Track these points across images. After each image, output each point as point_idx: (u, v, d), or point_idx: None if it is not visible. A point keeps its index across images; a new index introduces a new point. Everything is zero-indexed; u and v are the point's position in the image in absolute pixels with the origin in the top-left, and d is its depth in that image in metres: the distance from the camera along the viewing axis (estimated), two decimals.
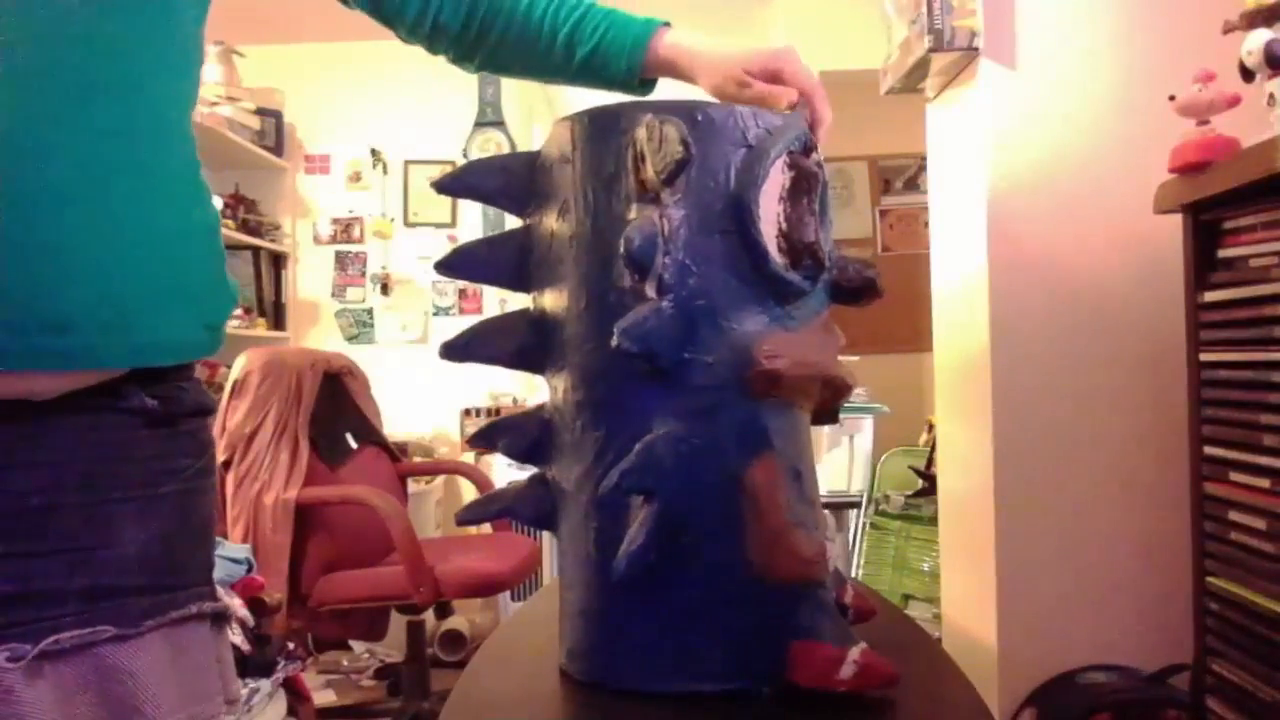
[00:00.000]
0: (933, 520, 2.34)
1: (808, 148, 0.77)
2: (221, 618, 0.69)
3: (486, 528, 2.89)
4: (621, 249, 0.71)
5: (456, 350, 0.81)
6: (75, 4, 0.56)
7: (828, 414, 0.82)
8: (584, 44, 0.87)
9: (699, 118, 0.74)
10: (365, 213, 3.62)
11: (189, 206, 0.65)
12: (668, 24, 0.88)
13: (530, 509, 0.83)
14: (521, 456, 0.84)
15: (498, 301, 3.54)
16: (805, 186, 0.75)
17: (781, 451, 0.74)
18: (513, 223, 0.86)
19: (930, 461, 2.41)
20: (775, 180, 0.74)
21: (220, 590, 1.82)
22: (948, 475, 1.85)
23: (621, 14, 0.89)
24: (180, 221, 0.63)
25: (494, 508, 0.87)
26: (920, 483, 2.66)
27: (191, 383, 0.67)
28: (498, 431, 0.84)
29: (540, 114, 4.11)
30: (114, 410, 0.60)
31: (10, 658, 0.54)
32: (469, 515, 0.84)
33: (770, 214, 0.74)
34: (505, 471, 3.21)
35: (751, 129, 0.75)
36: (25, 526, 0.57)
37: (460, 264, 0.84)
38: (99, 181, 0.57)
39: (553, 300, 0.81)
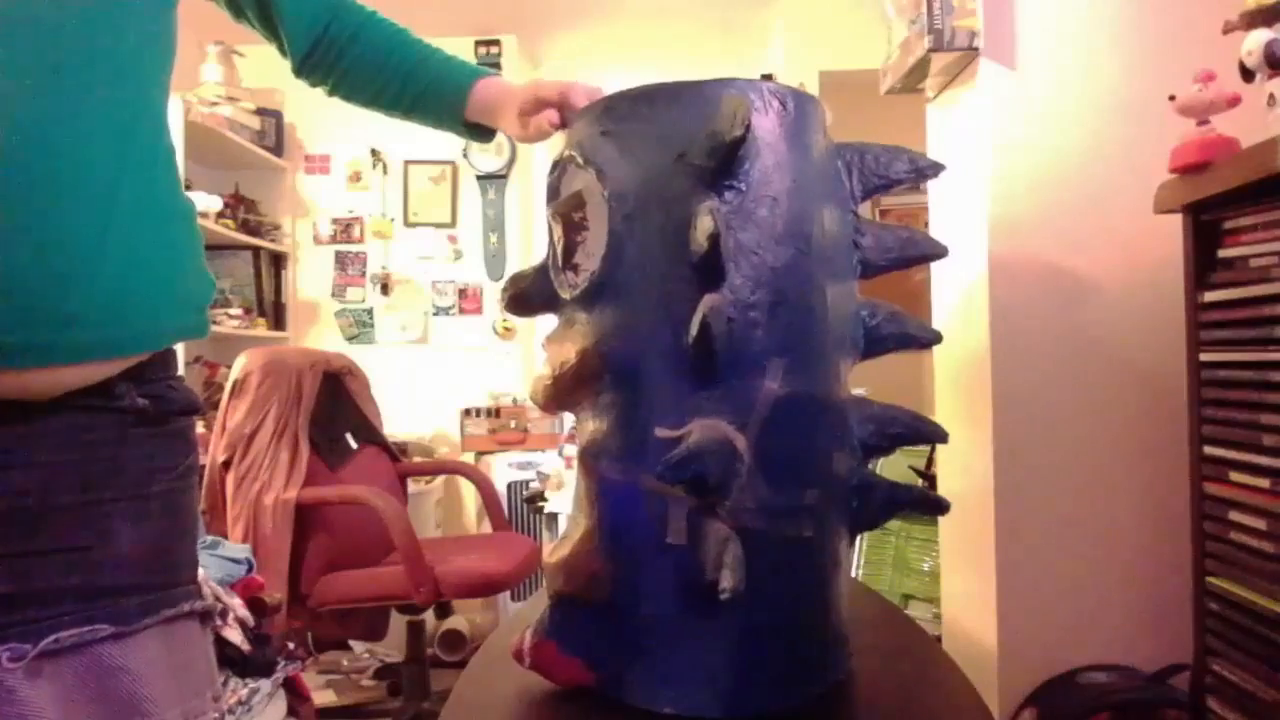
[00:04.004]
0: (933, 520, 2.34)
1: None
2: (208, 616, 0.69)
3: (487, 527, 2.88)
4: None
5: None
6: (73, 7, 0.57)
7: None
8: (424, 76, 0.94)
9: None
10: (365, 213, 3.61)
11: (176, 195, 0.66)
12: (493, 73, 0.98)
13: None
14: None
15: (497, 302, 3.53)
16: None
17: None
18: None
19: (930, 461, 2.41)
20: None
21: (220, 590, 1.80)
22: (948, 475, 1.85)
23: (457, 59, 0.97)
24: (172, 209, 0.65)
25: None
26: (920, 483, 2.66)
27: (179, 382, 0.68)
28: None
29: None
30: (107, 410, 0.61)
31: (11, 658, 0.54)
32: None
33: None
34: (505, 472, 3.21)
35: None
36: (23, 527, 0.57)
37: None
38: (106, 178, 0.58)
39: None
